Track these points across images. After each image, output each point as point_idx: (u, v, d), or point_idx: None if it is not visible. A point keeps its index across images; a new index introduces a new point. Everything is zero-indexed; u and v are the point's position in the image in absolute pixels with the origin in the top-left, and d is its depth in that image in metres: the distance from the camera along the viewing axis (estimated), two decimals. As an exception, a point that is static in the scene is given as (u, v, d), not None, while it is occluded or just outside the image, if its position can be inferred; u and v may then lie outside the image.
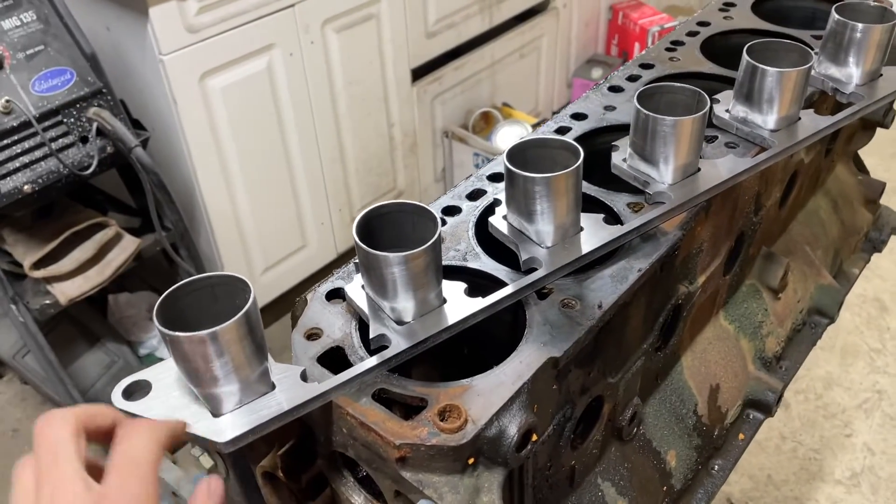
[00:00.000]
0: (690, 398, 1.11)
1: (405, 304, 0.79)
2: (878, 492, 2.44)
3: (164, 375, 0.73)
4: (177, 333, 0.65)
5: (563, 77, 3.76)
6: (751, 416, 1.19)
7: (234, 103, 2.41)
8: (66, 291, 2.13)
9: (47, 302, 2.13)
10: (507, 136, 3.21)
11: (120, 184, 2.39)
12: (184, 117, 2.30)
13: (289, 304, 3.05)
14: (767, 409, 1.18)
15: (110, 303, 2.63)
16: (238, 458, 0.77)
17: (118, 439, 0.64)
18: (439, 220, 0.78)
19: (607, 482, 0.99)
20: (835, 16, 1.09)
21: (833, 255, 1.41)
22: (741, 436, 1.18)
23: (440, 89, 3.11)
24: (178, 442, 0.68)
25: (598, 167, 1.04)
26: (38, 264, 2.10)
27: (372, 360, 0.75)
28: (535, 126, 3.26)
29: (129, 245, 2.22)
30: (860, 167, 1.52)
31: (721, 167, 0.98)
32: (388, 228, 0.81)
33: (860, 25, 1.08)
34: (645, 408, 1.06)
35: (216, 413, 0.70)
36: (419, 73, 3.00)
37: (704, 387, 1.13)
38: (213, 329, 0.65)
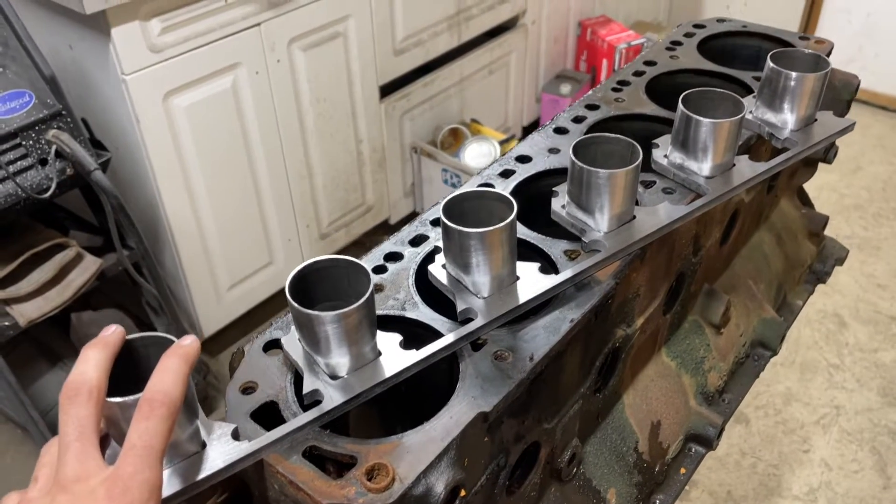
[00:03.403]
0: (631, 435, 1.13)
1: (339, 360, 0.80)
2: (833, 507, 2.50)
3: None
4: (112, 400, 0.66)
5: (532, 93, 3.79)
6: (692, 450, 1.22)
7: (198, 122, 2.40)
8: (25, 313, 2.12)
9: (6, 323, 2.11)
10: (475, 152, 3.24)
11: (83, 200, 2.37)
12: (147, 136, 2.29)
13: (255, 320, 3.05)
14: (708, 443, 1.21)
15: (73, 321, 2.62)
16: (171, 515, 0.78)
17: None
18: (372, 276, 0.80)
19: (546, 523, 1.01)
20: (770, 64, 1.12)
21: (776, 289, 1.44)
22: (683, 470, 1.20)
23: (409, 106, 3.13)
24: None
25: (541, 210, 1.06)
26: (-3, 286, 2.08)
27: (304, 417, 0.77)
28: (502, 143, 3.29)
29: (90, 265, 2.21)
30: (804, 200, 1.56)
31: (657, 214, 1.00)
32: (323, 283, 0.83)
33: (794, 74, 1.11)
34: (585, 447, 1.08)
35: (146, 474, 0.71)
36: (387, 90, 3.02)
37: (646, 423, 1.16)
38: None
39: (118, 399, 0.66)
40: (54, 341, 2.58)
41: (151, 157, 2.33)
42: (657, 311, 1.12)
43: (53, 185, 1.95)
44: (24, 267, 2.12)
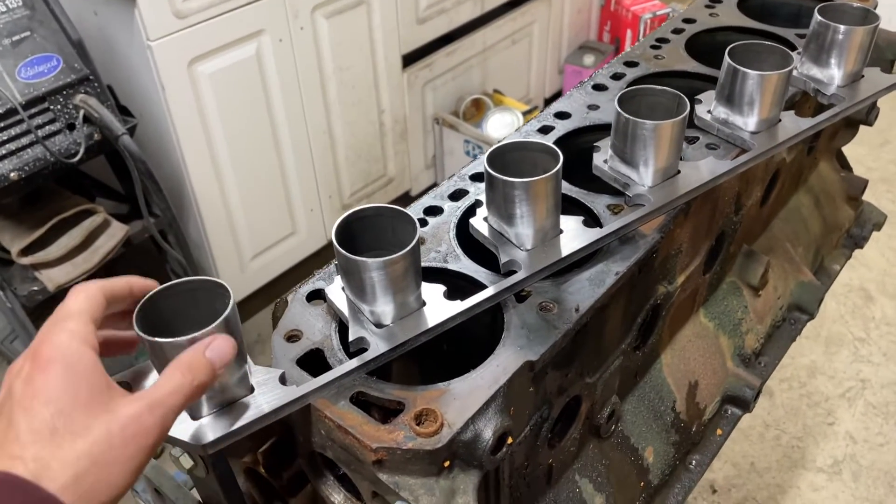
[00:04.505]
0: (669, 395, 1.13)
1: (384, 308, 0.80)
2: (859, 479, 2.48)
3: (147, 378, 0.74)
4: (157, 339, 0.66)
5: (555, 63, 3.75)
6: (729, 412, 1.21)
7: (222, 89, 2.39)
8: (53, 278, 2.13)
9: (35, 288, 2.13)
10: (498, 123, 3.21)
11: (109, 169, 2.38)
12: (172, 104, 2.29)
13: (278, 290, 3.06)
14: (745, 405, 1.20)
15: (99, 288, 2.63)
16: (218, 460, 0.79)
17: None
18: (418, 224, 0.79)
19: (585, 479, 1.01)
20: (817, 17, 1.09)
21: (814, 252, 1.42)
22: (719, 431, 1.20)
23: (431, 75, 3.10)
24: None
25: (580, 166, 1.04)
26: (26, 251, 2.10)
27: (351, 363, 0.77)
28: (525, 114, 3.26)
29: (117, 232, 2.22)
30: (843, 164, 1.53)
31: (701, 169, 0.99)
32: (368, 232, 0.82)
33: (842, 27, 1.08)
34: (623, 405, 1.08)
35: (195, 416, 0.71)
36: (410, 60, 2.99)
37: (683, 384, 1.15)
38: (193, 335, 0.66)
39: (157, 339, 0.66)
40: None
41: (176, 124, 2.32)
42: (697, 270, 1.10)
43: (82, 150, 1.95)
44: (53, 232, 2.13)
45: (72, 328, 0.62)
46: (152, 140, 2.40)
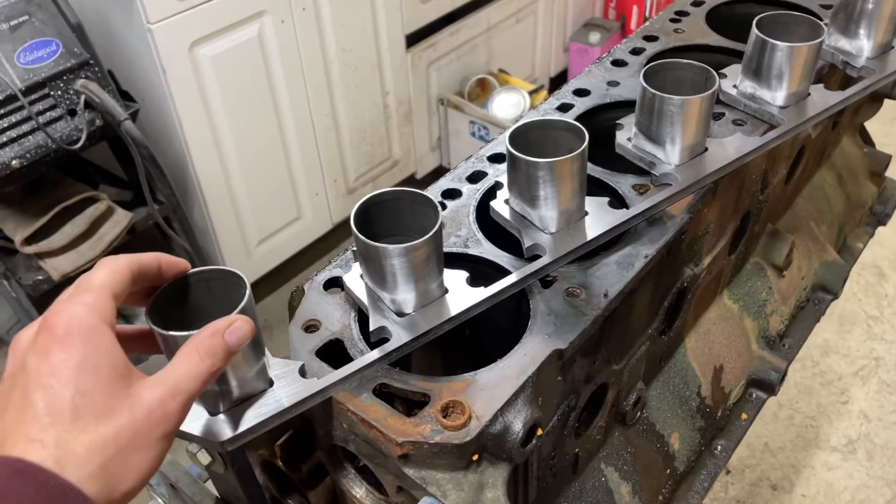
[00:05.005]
0: (694, 380, 1.10)
1: (406, 296, 0.77)
2: (873, 458, 2.46)
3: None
4: (171, 333, 0.63)
5: (560, 42, 3.69)
6: (754, 396, 1.19)
7: (224, 72, 2.35)
8: (58, 267, 2.10)
9: (40, 277, 2.10)
10: (504, 103, 3.16)
11: (111, 156, 2.34)
12: (174, 87, 2.24)
13: (285, 275, 3.03)
14: (771, 389, 1.18)
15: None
16: (237, 455, 0.76)
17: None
18: (440, 208, 0.76)
19: (611, 467, 0.98)
20: (847, -14, 1.05)
21: (838, 230, 1.39)
22: (744, 415, 1.17)
23: (435, 56, 3.05)
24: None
25: (601, 145, 1.00)
26: (30, 240, 2.07)
27: (373, 355, 0.73)
28: (531, 93, 3.20)
29: (121, 219, 2.19)
30: (866, 139, 1.49)
31: (729, 147, 0.95)
32: (387, 216, 0.79)
33: (873, -4, 1.04)
34: (648, 391, 1.05)
35: (213, 412, 0.68)
36: (413, 40, 2.93)
37: (708, 368, 1.12)
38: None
39: (172, 332, 0.62)
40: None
41: (178, 108, 2.28)
42: (723, 251, 1.07)
43: (83, 136, 1.92)
44: (56, 221, 2.10)
45: (90, 301, 0.57)
46: (154, 125, 2.36)
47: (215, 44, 2.30)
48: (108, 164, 2.44)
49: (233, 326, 0.63)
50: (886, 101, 1.46)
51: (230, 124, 2.44)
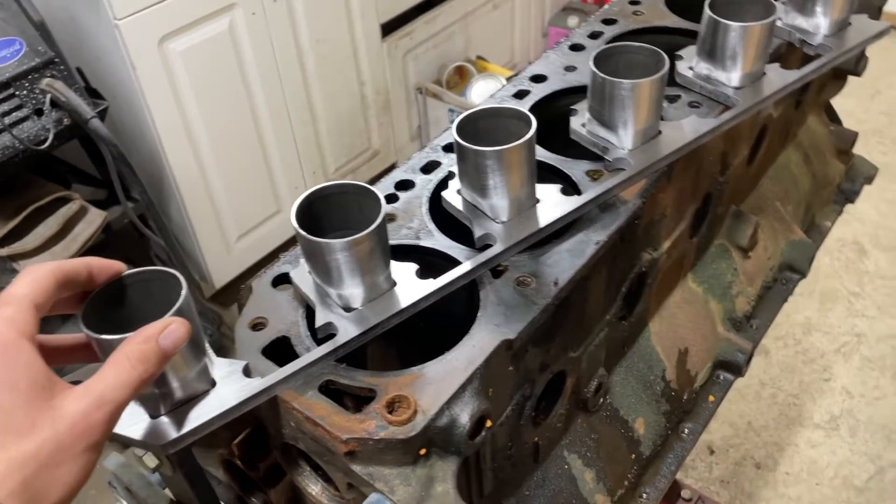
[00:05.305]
0: (658, 364, 1.09)
1: (352, 290, 0.76)
2: (856, 434, 2.48)
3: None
4: (104, 337, 0.62)
5: (538, 27, 3.67)
6: (721, 378, 1.18)
7: (196, 67, 2.33)
8: (32, 269, 2.08)
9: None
10: (483, 90, 3.15)
11: (86, 155, 2.32)
12: (144, 84, 2.22)
13: (266, 270, 3.01)
14: (737, 370, 1.17)
15: (83, 276, 2.59)
16: (185, 457, 0.75)
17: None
18: (383, 201, 0.75)
19: (573, 454, 0.98)
20: (801, -37, 1.04)
21: (805, 209, 1.38)
22: (711, 398, 1.17)
23: (411, 44, 3.03)
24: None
25: (559, 131, 1.00)
26: (2, 242, 2.05)
27: (318, 351, 0.73)
28: (510, 79, 3.18)
29: (95, 218, 2.16)
30: (832, 117, 1.48)
31: (683, 129, 0.94)
32: (334, 211, 0.78)
33: (827, -27, 1.03)
34: (611, 377, 1.05)
35: (154, 414, 0.67)
36: (389, 29, 2.91)
37: (673, 352, 1.12)
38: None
39: (107, 336, 0.61)
40: (65, 297, 2.55)
41: (150, 105, 2.26)
42: (684, 234, 1.07)
43: (51, 136, 1.89)
44: (28, 222, 2.08)
45: (8, 315, 0.56)
46: (127, 122, 2.34)
47: (185, 38, 2.27)
48: (82, 163, 2.42)
49: (168, 330, 0.62)
50: (864, 77, 1.46)
51: (204, 119, 2.42)
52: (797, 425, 2.53)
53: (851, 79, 1.45)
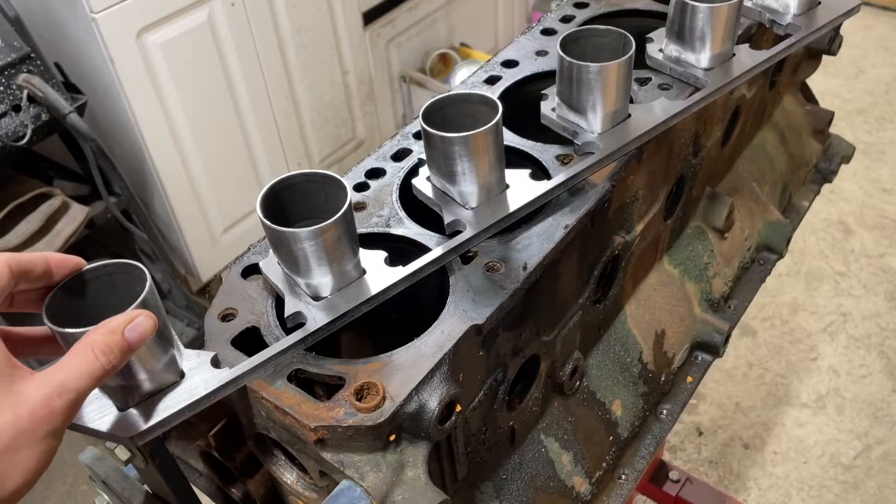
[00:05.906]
0: (635, 346, 1.10)
1: (321, 279, 0.76)
2: (843, 412, 2.50)
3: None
4: (67, 330, 0.62)
5: (523, 12, 3.65)
6: (699, 359, 1.19)
7: (176, 60, 2.31)
8: (16, 266, 2.08)
9: (-2, 278, 2.08)
10: (466, 77, 3.13)
11: (66, 150, 2.31)
12: (123, 78, 2.20)
13: (253, 262, 3.00)
14: (715, 351, 1.18)
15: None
16: (157, 448, 0.75)
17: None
18: (349, 189, 0.75)
19: (550, 437, 0.98)
20: (769, -58, 1.04)
21: (781, 189, 1.39)
22: (689, 378, 1.17)
23: (394, 32, 3.01)
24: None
25: (531, 116, 1.00)
26: (-16, 240, 2.04)
27: (287, 340, 0.73)
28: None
29: (77, 214, 2.16)
30: (808, 97, 1.49)
31: (652, 112, 0.94)
32: (300, 200, 0.78)
33: (796, -48, 1.03)
34: (587, 360, 1.05)
35: (123, 407, 0.67)
36: (371, 17, 2.90)
37: (649, 334, 1.12)
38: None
39: (70, 329, 0.61)
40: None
41: (130, 98, 2.24)
42: (657, 217, 1.07)
43: (29, 132, 1.88)
44: (10, 219, 2.07)
45: None
46: (107, 117, 2.33)
47: (164, 30, 2.25)
48: (64, 159, 2.41)
49: (134, 322, 0.62)
50: (848, 57, 1.46)
51: (186, 112, 2.40)
52: (784, 405, 2.55)
53: (835, 59, 1.46)
